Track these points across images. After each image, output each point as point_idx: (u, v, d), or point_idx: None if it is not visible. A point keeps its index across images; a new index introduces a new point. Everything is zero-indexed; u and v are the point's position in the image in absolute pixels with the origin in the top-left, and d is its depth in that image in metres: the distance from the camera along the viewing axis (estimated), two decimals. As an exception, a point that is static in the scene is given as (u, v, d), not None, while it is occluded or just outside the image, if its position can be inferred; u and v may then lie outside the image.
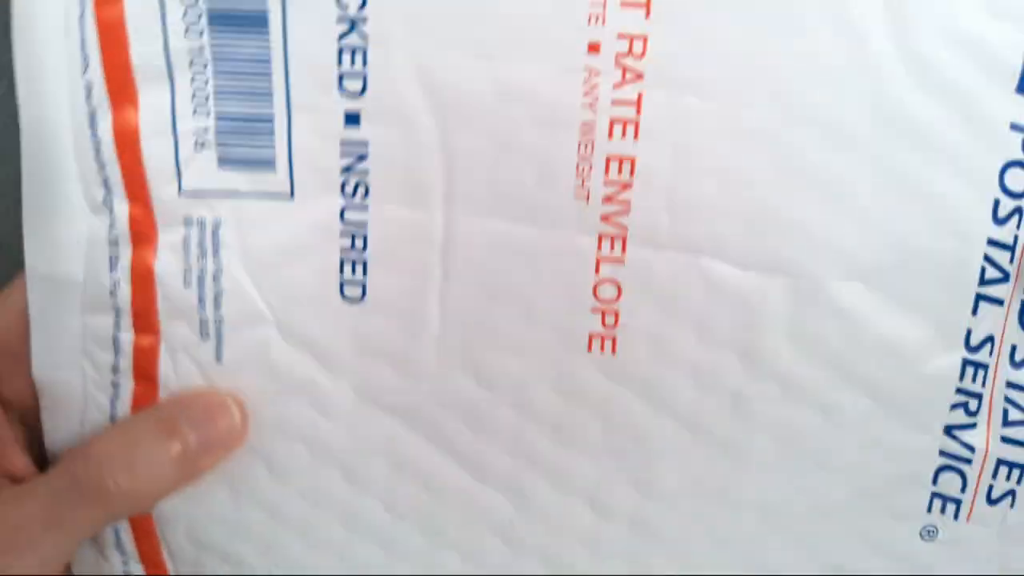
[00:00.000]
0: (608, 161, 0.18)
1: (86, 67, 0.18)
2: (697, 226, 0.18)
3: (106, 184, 0.19)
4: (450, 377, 0.20)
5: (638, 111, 0.17)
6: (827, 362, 0.18)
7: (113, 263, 0.20)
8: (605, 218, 0.18)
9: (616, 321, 0.19)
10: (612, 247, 0.18)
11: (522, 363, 0.20)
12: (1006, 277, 0.18)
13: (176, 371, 0.20)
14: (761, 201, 0.17)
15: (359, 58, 0.18)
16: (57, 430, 0.21)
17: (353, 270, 0.19)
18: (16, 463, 0.20)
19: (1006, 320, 0.18)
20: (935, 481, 0.19)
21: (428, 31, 0.17)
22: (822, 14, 0.17)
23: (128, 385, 0.20)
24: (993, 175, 0.17)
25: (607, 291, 0.19)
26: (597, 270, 0.19)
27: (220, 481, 0.21)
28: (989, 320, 0.18)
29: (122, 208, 0.19)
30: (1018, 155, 0.17)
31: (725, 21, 0.17)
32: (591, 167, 0.18)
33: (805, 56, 0.17)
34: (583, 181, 0.18)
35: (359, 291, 0.20)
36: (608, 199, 0.18)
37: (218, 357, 0.20)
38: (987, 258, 0.18)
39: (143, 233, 0.19)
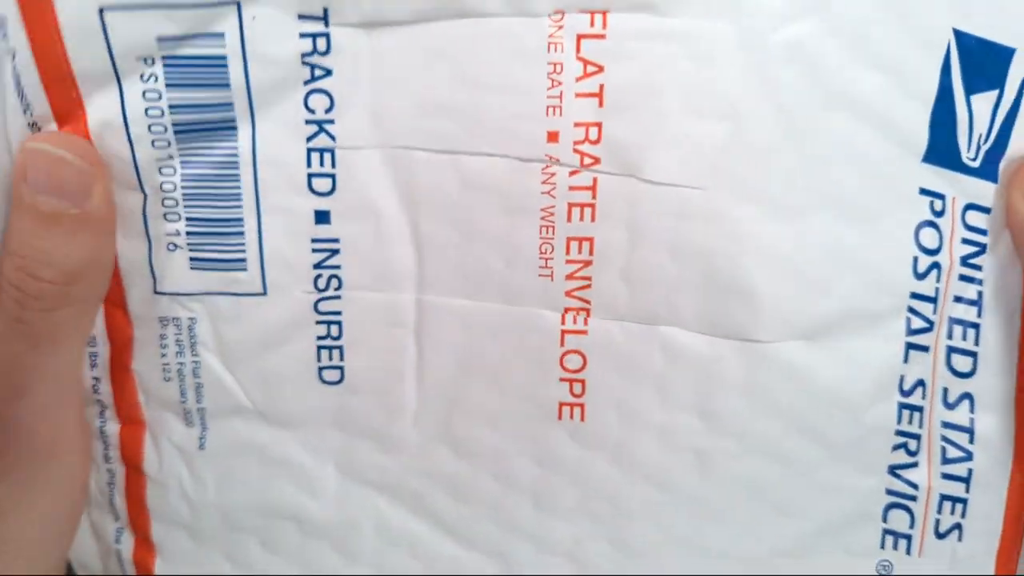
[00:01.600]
0: (568, 242, 0.19)
1: None
2: (653, 298, 0.19)
3: None
4: (430, 451, 0.21)
5: (594, 195, 0.19)
6: (779, 416, 0.20)
7: (93, 360, 0.20)
8: (568, 293, 0.19)
9: (583, 390, 0.20)
10: (575, 320, 0.19)
11: (498, 434, 0.20)
12: (931, 326, 0.20)
13: (160, 457, 0.21)
14: (711, 272, 0.19)
15: (327, 159, 0.19)
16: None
17: (330, 356, 0.20)
18: None
19: (934, 365, 0.20)
20: (885, 518, 0.21)
21: (394, 130, 0.18)
22: (753, 99, 0.18)
23: (120, 471, 0.21)
24: (909, 235, 0.19)
25: (573, 361, 0.20)
26: (562, 342, 0.20)
27: (218, 552, 0.22)
28: (919, 366, 0.20)
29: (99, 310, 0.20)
30: (928, 216, 0.19)
31: (670, 108, 0.18)
32: (553, 248, 0.19)
33: (742, 137, 0.18)
34: (546, 261, 0.19)
35: (337, 375, 0.20)
36: (570, 276, 0.19)
37: (201, 445, 0.21)
38: (911, 310, 0.19)
39: (119, 334, 0.20)
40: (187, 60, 0.18)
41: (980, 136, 0.19)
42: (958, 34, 0.18)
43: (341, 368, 0.20)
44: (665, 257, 0.19)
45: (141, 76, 0.18)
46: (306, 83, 0.18)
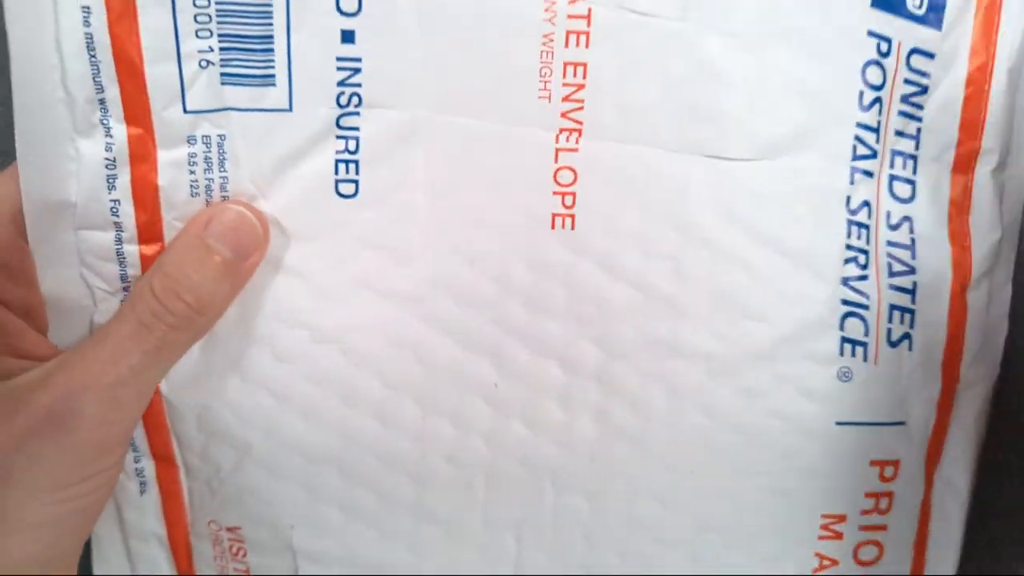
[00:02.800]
0: (565, 66, 0.22)
1: None
2: (637, 119, 0.22)
3: (103, 107, 0.20)
4: (437, 257, 0.23)
5: (588, 23, 0.22)
6: (743, 228, 0.23)
7: (111, 183, 0.21)
8: (563, 115, 0.22)
9: (574, 202, 0.23)
10: (568, 139, 0.23)
11: (498, 241, 0.23)
12: (874, 154, 0.23)
13: None
14: (687, 97, 0.22)
15: None
16: (64, 339, 0.22)
17: (347, 169, 0.22)
18: (37, 345, 0.21)
19: (878, 190, 0.23)
20: (842, 326, 0.23)
21: None
22: None
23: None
24: (856, 71, 0.22)
25: (565, 176, 0.23)
26: (556, 159, 0.23)
27: (230, 368, 0.23)
28: (864, 188, 0.23)
29: (120, 130, 0.21)
30: (874, 55, 0.22)
31: None
32: (551, 71, 0.22)
33: None
34: (545, 84, 0.22)
35: (353, 188, 0.22)
36: (566, 99, 0.22)
37: None
38: (857, 138, 0.23)
39: (142, 153, 0.21)
40: None
41: (923, -14, 0.22)
42: None
43: (356, 182, 0.22)
44: (648, 83, 0.22)
45: None
46: None
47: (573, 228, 0.23)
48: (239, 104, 0.21)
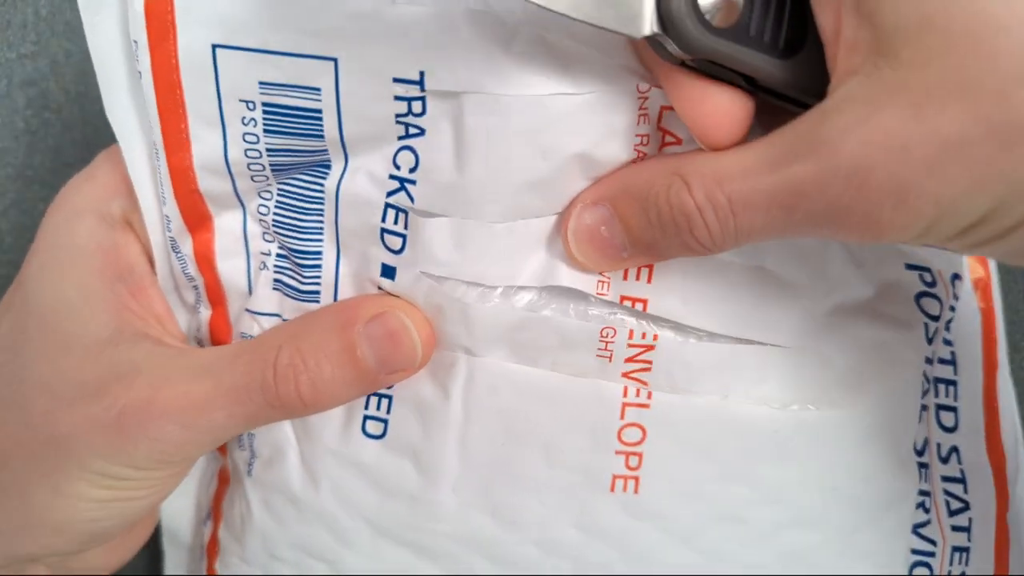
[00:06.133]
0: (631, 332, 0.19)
1: (164, 202, 0.19)
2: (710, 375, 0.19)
3: (196, 290, 0.21)
4: (469, 517, 0.20)
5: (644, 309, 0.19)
6: (814, 483, 0.20)
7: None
8: (625, 375, 0.19)
9: (640, 463, 0.19)
10: (638, 393, 0.19)
11: (544, 503, 0.20)
12: (928, 385, 0.21)
13: (234, 465, 0.22)
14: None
15: (401, 219, 0.18)
16: None
17: (378, 405, 0.20)
18: (160, 306, 0.21)
19: (929, 423, 0.22)
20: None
21: (468, 200, 0.18)
22: None
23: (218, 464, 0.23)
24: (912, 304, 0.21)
25: (632, 434, 0.19)
26: (622, 415, 0.19)
27: (259, 572, 0.22)
28: (922, 425, 0.21)
29: (206, 313, 0.21)
30: (923, 287, 0.21)
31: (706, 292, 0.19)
32: (615, 331, 0.19)
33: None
34: (606, 344, 0.19)
35: (381, 428, 0.20)
36: (630, 359, 0.19)
37: (249, 471, 0.21)
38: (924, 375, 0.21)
39: (219, 336, 0.21)
40: (284, 110, 0.18)
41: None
42: None
43: (385, 422, 0.20)
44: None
45: (242, 120, 0.18)
46: (400, 139, 0.18)
47: (636, 492, 0.19)
48: (283, 312, 0.20)
